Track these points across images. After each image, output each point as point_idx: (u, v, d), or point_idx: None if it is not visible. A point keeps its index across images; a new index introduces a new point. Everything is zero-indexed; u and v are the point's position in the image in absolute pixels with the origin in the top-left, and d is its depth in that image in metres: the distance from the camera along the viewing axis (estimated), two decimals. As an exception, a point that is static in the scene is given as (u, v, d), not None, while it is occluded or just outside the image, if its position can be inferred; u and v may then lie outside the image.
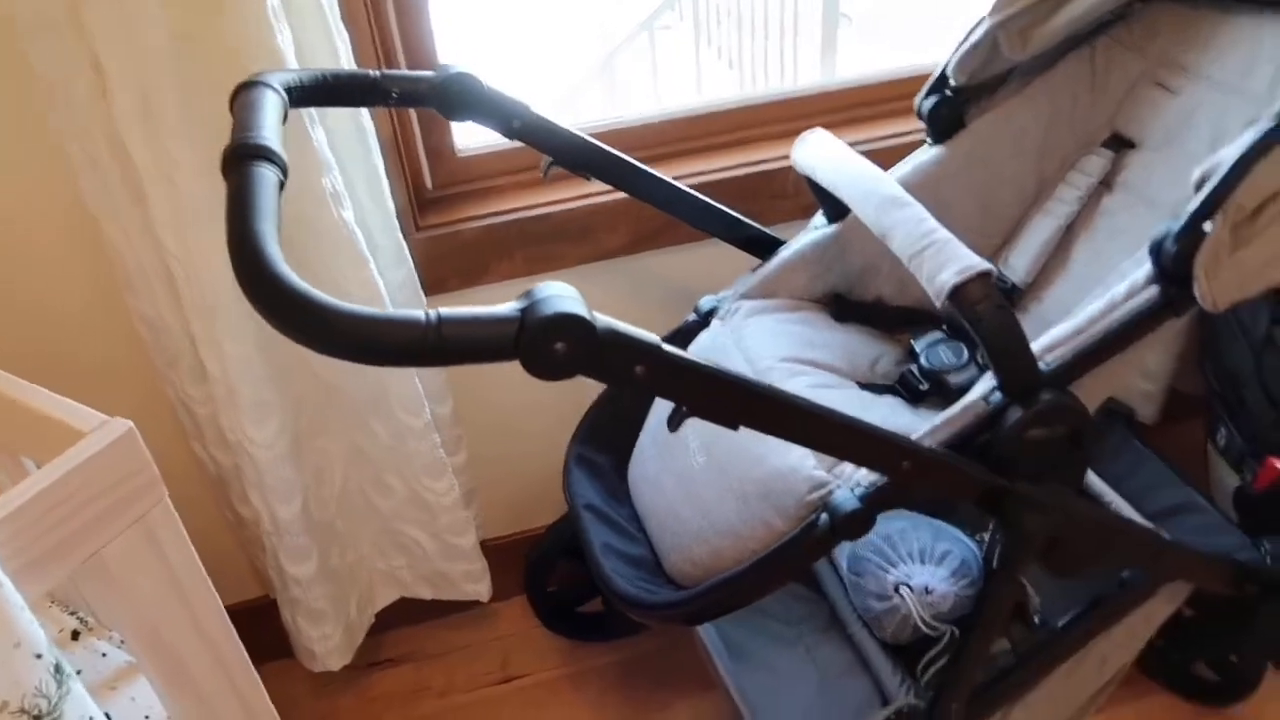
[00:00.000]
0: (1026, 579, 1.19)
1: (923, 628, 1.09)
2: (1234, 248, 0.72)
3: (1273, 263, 0.74)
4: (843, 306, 1.04)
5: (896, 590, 1.10)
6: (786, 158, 1.14)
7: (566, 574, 1.38)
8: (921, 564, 1.09)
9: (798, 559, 0.81)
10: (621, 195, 1.11)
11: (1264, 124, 0.71)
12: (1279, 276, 0.77)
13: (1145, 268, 0.77)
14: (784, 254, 1.03)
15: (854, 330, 1.03)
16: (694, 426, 0.95)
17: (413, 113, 1.09)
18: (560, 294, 0.56)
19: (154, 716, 0.79)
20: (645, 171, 0.97)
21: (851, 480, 0.81)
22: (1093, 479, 1.01)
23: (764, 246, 1.05)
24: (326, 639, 1.17)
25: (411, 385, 1.06)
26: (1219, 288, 0.73)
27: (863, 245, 1.01)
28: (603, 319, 0.57)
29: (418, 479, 1.13)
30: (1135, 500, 1.17)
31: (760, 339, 0.97)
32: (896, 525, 1.15)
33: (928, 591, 1.07)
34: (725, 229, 1.03)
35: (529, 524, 1.42)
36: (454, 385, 1.20)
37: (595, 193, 1.15)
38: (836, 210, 1.01)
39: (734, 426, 0.65)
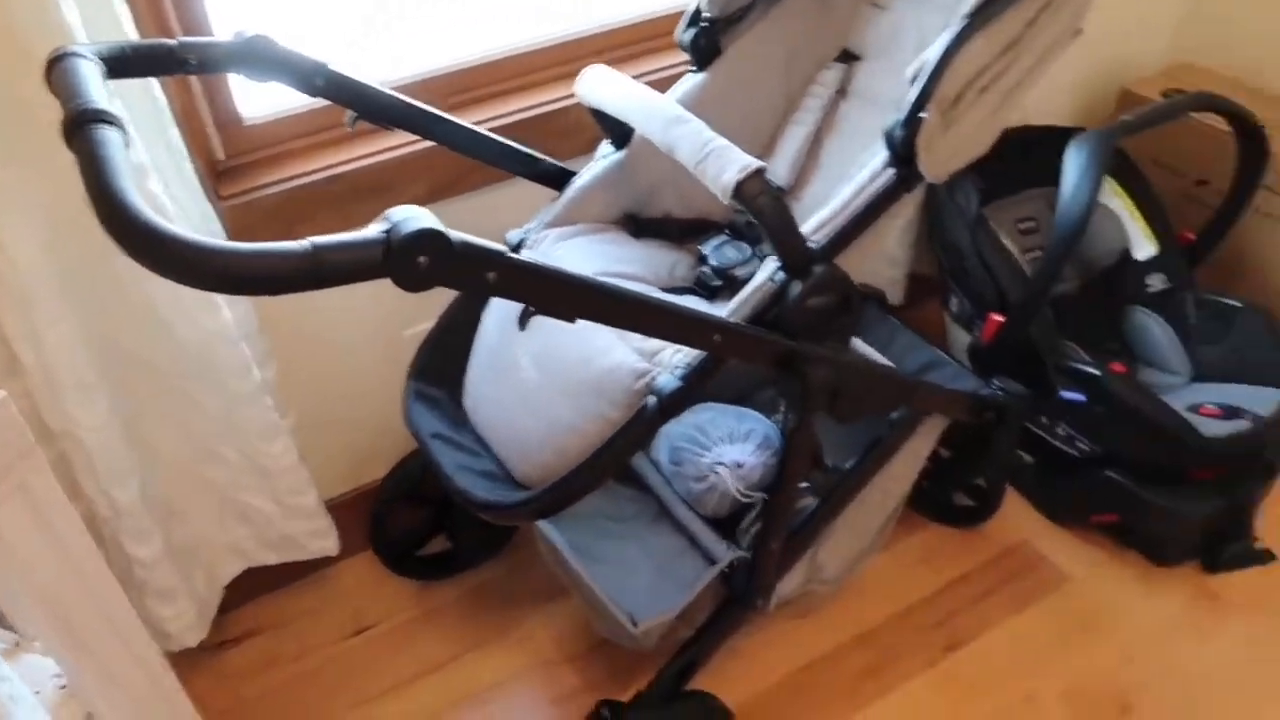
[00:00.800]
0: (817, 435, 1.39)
1: (739, 498, 1.25)
2: (944, 128, 0.90)
3: (974, 138, 0.93)
4: (638, 225, 1.17)
5: (713, 470, 1.25)
6: (565, 98, 1.24)
7: (406, 519, 1.44)
8: (731, 444, 1.24)
9: (635, 439, 0.93)
10: (416, 148, 1.17)
11: (954, 27, 0.88)
12: (979, 150, 0.96)
13: (881, 155, 0.94)
14: (579, 183, 1.13)
15: (651, 244, 1.16)
16: (524, 346, 1.05)
17: (196, 84, 1.10)
18: (416, 215, 0.64)
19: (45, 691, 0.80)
20: (445, 119, 1.04)
21: (669, 365, 0.93)
22: (858, 343, 1.19)
23: (560, 179, 1.15)
24: (180, 617, 1.18)
25: (238, 351, 1.08)
26: (936, 162, 0.91)
27: (648, 166, 1.13)
28: (456, 233, 0.65)
29: (251, 445, 1.16)
30: (895, 363, 1.39)
31: (572, 260, 1.07)
32: (705, 416, 1.30)
33: (739, 466, 1.23)
34: (524, 166, 1.12)
35: (361, 480, 1.46)
36: (277, 348, 1.22)
37: (388, 148, 1.20)
38: (621, 138, 1.13)
39: (572, 319, 0.75)
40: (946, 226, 1.51)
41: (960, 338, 1.56)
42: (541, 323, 1.05)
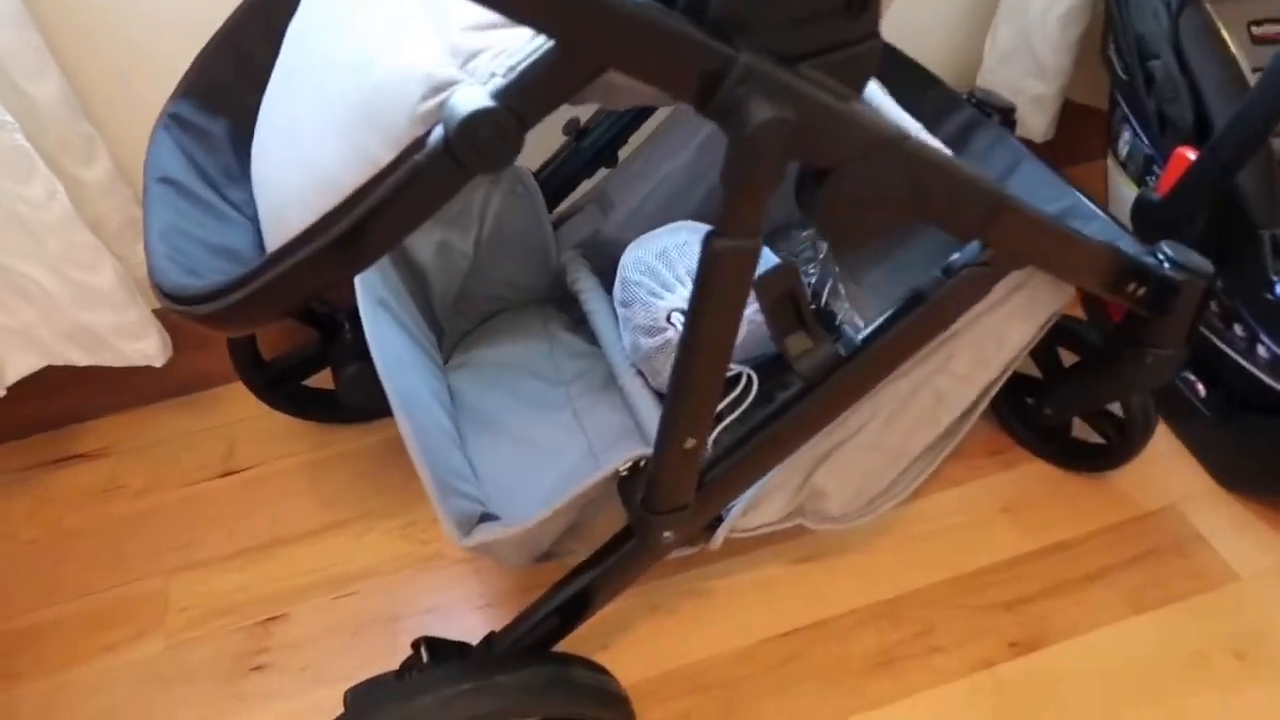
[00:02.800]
0: (842, 284, 0.91)
1: (705, 369, 0.80)
2: None
3: None
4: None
5: (670, 320, 0.80)
6: None
7: (284, 338, 1.08)
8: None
9: (400, 203, 0.49)
10: None
11: None
12: None
13: None
14: None
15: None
16: (317, 46, 0.62)
17: None
18: None
19: None
20: None
21: (484, 73, 0.49)
22: (912, 124, 0.70)
23: None
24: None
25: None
26: None
27: None
28: None
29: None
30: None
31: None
32: (677, 239, 0.85)
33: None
34: None
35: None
36: (66, 57, 0.85)
37: None
38: None
39: None
40: (1132, 4, 0.95)
41: (1126, 193, 1.02)
42: (331, 6, 0.61)
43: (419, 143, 0.48)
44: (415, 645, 0.72)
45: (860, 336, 0.65)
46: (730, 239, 0.50)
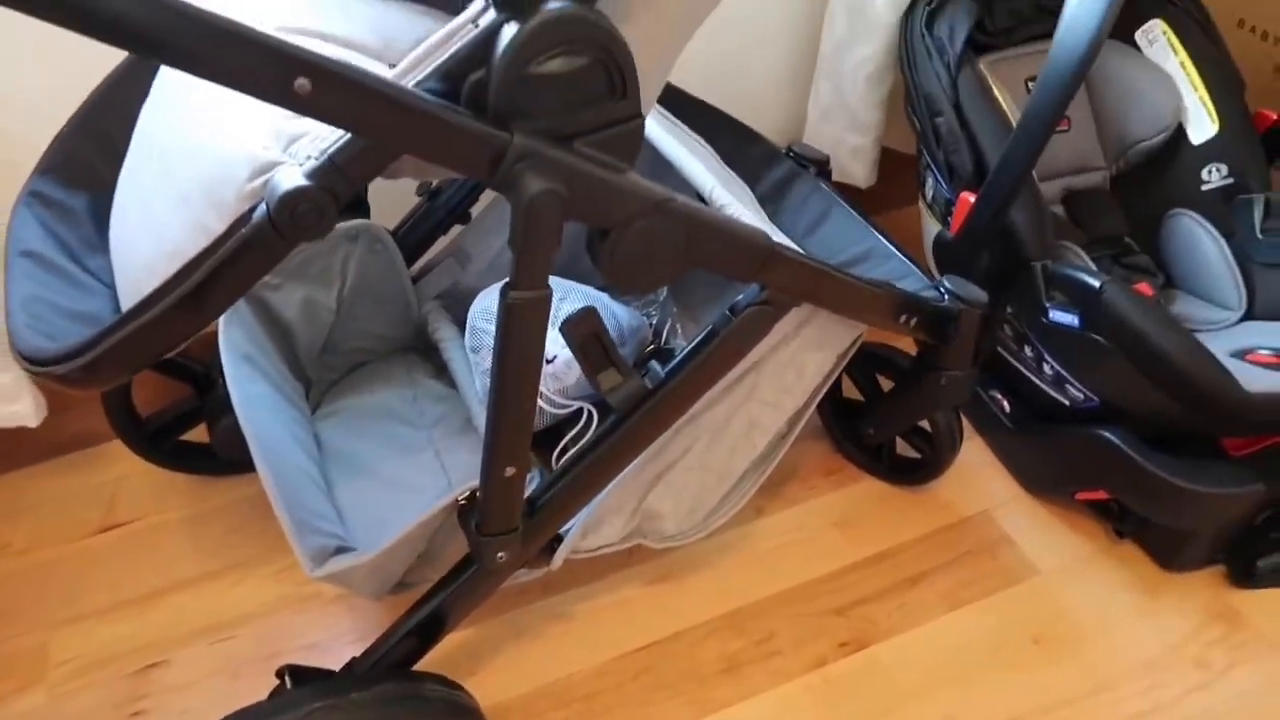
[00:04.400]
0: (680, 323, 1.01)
1: (547, 406, 0.89)
2: None
3: None
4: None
5: (513, 363, 0.88)
6: None
7: (160, 393, 1.13)
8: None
9: (232, 270, 0.57)
10: None
11: None
12: None
13: None
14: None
15: (403, 4, 0.78)
16: (162, 126, 0.70)
17: None
18: None
19: None
20: None
21: (302, 155, 0.57)
22: (705, 184, 0.80)
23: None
24: None
25: None
26: None
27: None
28: None
29: None
30: (818, 251, 1.00)
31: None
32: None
33: (550, 361, 0.87)
34: None
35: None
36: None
37: None
38: None
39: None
40: (919, 68, 1.08)
41: (934, 232, 1.15)
42: (176, 90, 0.69)
43: (245, 217, 0.56)
44: (279, 674, 0.77)
45: (664, 370, 0.74)
46: (521, 291, 0.59)
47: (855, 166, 1.28)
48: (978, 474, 1.17)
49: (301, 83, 0.48)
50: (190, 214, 0.61)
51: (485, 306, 0.94)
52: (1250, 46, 1.28)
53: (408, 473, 0.97)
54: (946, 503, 1.14)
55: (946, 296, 0.92)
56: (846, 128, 1.24)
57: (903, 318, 0.84)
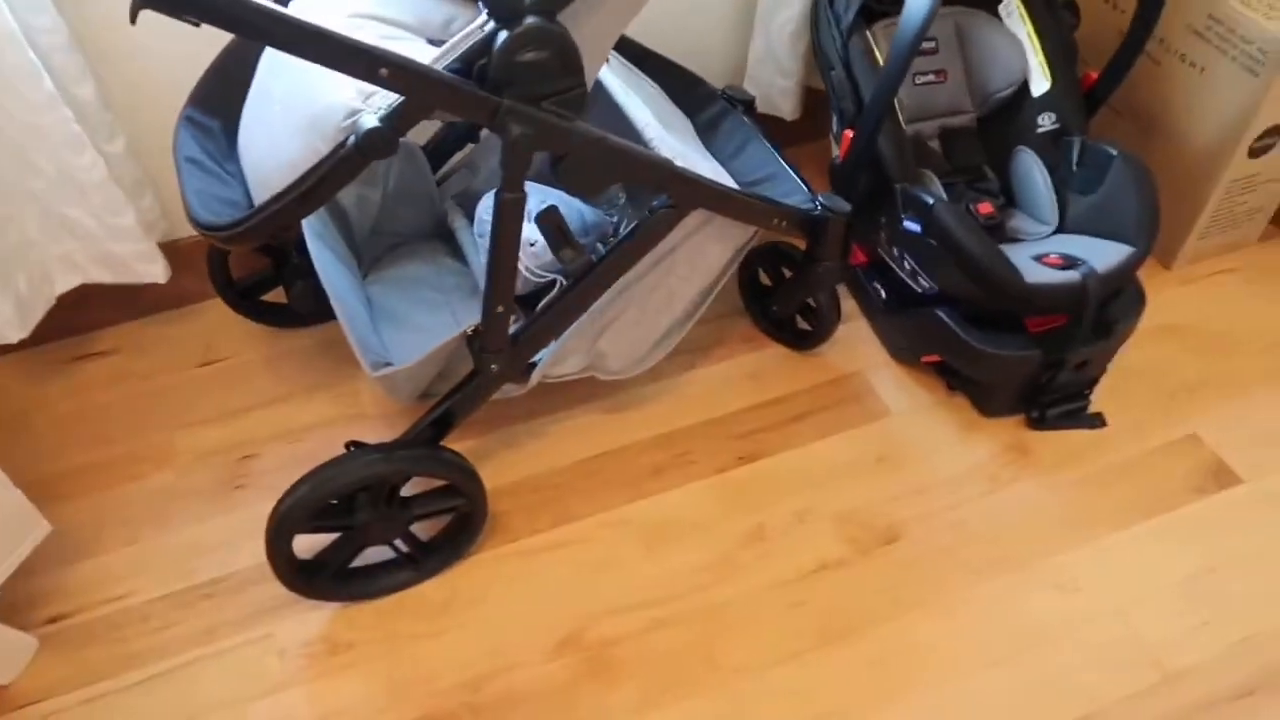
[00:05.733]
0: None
1: (529, 276, 1.27)
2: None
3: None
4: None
5: (507, 245, 1.26)
6: None
7: (250, 264, 1.51)
8: (528, 222, 1.25)
9: (334, 176, 0.94)
10: None
11: None
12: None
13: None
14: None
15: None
16: (279, 79, 1.06)
17: None
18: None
19: None
20: None
21: (375, 108, 0.93)
22: (641, 120, 1.15)
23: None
24: (-7, 310, 1.27)
25: (24, 57, 1.12)
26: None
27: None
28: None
29: (59, 155, 1.21)
30: (736, 172, 1.36)
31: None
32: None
33: (531, 244, 1.24)
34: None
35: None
36: (97, 68, 1.26)
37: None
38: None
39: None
40: (820, 31, 1.43)
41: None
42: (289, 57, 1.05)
43: (342, 144, 0.93)
44: (347, 445, 1.17)
45: (605, 250, 1.12)
46: (508, 192, 0.96)
47: (783, 103, 1.63)
48: (857, 345, 1.55)
49: (383, 71, 0.85)
50: (305, 140, 0.97)
51: (487, 204, 1.31)
52: (1102, 15, 1.61)
53: (431, 323, 1.35)
54: (831, 364, 1.53)
55: (819, 207, 1.28)
56: (775, 73, 1.59)
57: (775, 220, 1.21)
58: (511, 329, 1.13)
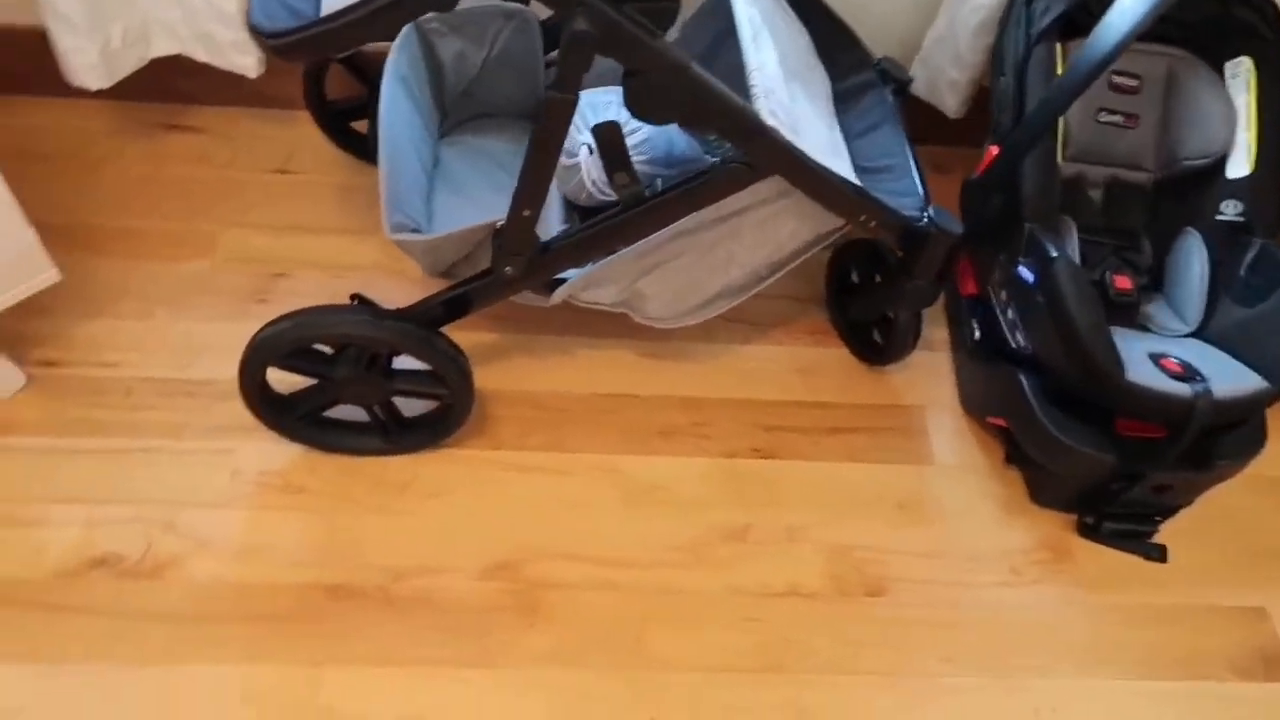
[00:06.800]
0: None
1: (594, 191, 1.18)
2: None
3: None
4: None
5: (580, 150, 1.17)
6: None
7: (343, 87, 1.46)
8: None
9: (384, 11, 0.85)
10: None
11: None
12: None
13: None
14: None
15: None
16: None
17: None
18: None
19: None
20: None
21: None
22: (754, 63, 1.02)
23: None
24: (80, 52, 1.26)
25: None
26: None
27: None
28: None
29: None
30: (856, 153, 1.21)
31: None
32: (605, 98, 1.19)
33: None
34: None
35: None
36: None
37: None
38: None
39: None
40: (1007, 29, 1.24)
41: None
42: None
43: (402, -19, 0.85)
44: (352, 297, 1.12)
45: (663, 188, 1.01)
46: (558, 91, 0.86)
47: (949, 97, 1.45)
48: (929, 378, 1.40)
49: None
50: (376, -34, 0.90)
51: (593, 101, 1.20)
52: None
53: (489, 202, 1.27)
54: (892, 387, 1.38)
55: (927, 220, 1.13)
56: (950, 61, 1.41)
57: (862, 217, 1.07)
58: (547, 237, 1.05)
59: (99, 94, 1.35)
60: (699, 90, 0.89)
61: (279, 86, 1.50)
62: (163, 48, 1.36)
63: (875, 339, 1.39)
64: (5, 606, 1.09)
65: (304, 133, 1.54)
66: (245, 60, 1.35)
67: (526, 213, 0.97)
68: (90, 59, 1.27)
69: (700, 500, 1.25)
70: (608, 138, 0.96)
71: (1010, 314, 1.25)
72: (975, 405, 1.36)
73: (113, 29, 1.28)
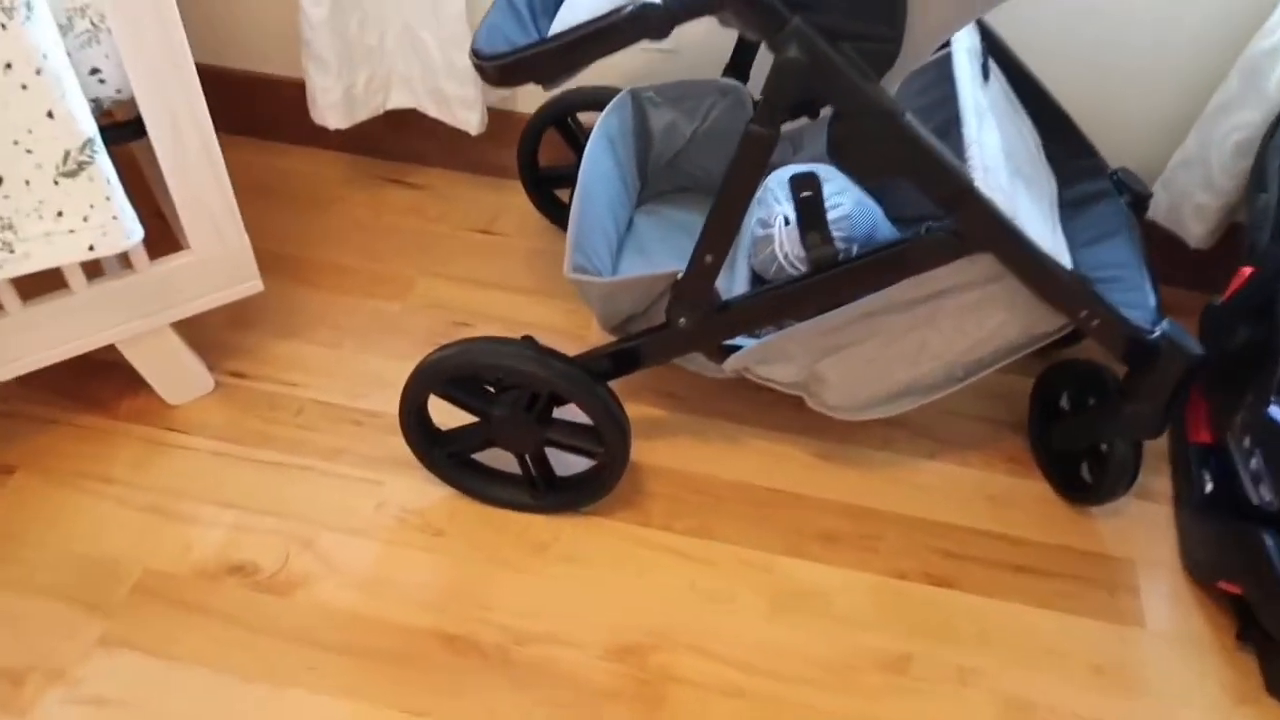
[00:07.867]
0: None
1: (785, 264, 1.12)
2: None
3: None
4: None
5: (776, 220, 1.12)
6: None
7: (553, 154, 1.49)
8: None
9: (597, 38, 0.85)
10: None
11: None
12: None
13: None
14: None
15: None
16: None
17: None
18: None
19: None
20: None
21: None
22: (973, 138, 0.94)
23: None
24: (326, 91, 1.35)
25: None
26: None
27: None
28: None
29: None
30: (1081, 261, 1.10)
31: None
32: (823, 171, 1.15)
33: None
34: None
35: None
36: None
37: None
38: None
39: None
40: (1271, 144, 1.11)
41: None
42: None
43: (617, 9, 0.84)
44: (524, 338, 1.10)
45: (856, 254, 0.94)
46: (757, 125, 0.82)
47: (1194, 224, 1.31)
48: (1143, 529, 1.21)
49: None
50: (596, 4, 0.90)
51: (781, 178, 1.16)
52: None
53: (670, 267, 1.25)
54: (1098, 534, 1.21)
55: (1159, 332, 0.99)
56: (1199, 184, 1.27)
57: (1083, 313, 0.94)
58: (729, 296, 0.99)
59: (340, 146, 1.45)
60: (909, 141, 0.83)
61: (496, 154, 1.56)
62: (399, 100, 1.45)
63: (1083, 475, 1.22)
64: (143, 595, 1.09)
65: (512, 199, 1.59)
66: (470, 116, 1.41)
67: (709, 258, 0.92)
68: (334, 98, 1.36)
69: (857, 619, 1.11)
70: (805, 188, 0.90)
71: (1254, 464, 1.06)
72: (1203, 568, 1.15)
73: (359, 75, 1.38)
